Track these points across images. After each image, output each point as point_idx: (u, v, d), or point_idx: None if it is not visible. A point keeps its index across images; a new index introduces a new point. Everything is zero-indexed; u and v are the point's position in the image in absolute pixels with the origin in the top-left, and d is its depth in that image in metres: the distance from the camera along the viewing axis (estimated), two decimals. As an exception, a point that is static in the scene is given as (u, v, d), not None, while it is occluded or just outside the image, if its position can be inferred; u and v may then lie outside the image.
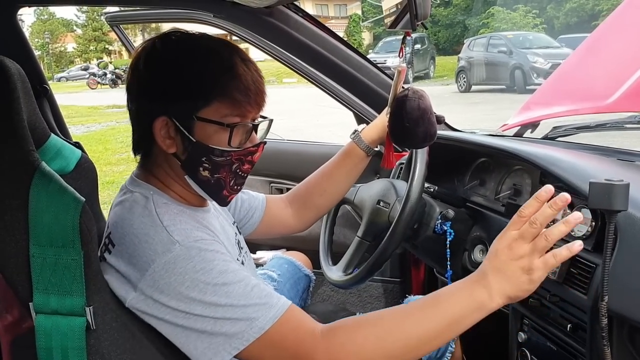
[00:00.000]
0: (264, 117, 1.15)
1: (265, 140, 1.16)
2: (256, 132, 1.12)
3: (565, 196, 1.00)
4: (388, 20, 1.25)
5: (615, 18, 2.02)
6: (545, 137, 1.92)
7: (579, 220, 1.00)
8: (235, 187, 1.14)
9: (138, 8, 2.46)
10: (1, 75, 0.98)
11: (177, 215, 1.07)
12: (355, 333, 1.01)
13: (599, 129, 1.75)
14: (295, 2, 1.69)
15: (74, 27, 48.41)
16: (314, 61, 1.87)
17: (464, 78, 16.35)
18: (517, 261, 1.01)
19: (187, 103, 1.04)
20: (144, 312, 1.02)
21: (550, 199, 1.01)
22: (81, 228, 0.98)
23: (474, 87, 16.11)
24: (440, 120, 1.36)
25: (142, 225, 1.04)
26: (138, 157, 1.16)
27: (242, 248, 1.30)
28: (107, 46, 44.11)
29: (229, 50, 1.07)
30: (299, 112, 12.14)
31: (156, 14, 2.31)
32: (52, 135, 1.31)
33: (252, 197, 1.49)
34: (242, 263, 1.25)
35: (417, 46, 20.34)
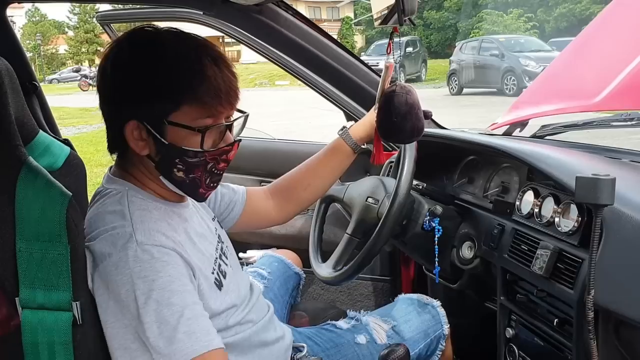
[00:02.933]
0: (241, 111, 1.15)
1: (240, 138, 1.15)
2: (231, 131, 1.12)
3: None
4: (377, 19, 1.26)
5: (603, 18, 2.03)
6: (534, 136, 1.94)
7: None
8: (212, 184, 1.13)
9: (129, 7, 2.46)
10: None
11: (150, 211, 1.08)
12: None
13: (586, 127, 1.77)
14: (285, 1, 1.70)
15: (66, 29, 48.16)
16: (303, 59, 1.87)
17: (456, 81, 16.42)
18: None
19: (157, 107, 1.03)
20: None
21: (539, 195, 1.00)
22: (68, 222, 0.98)
23: (465, 90, 16.17)
24: (427, 115, 1.36)
25: (112, 218, 1.05)
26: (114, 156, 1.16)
27: (222, 242, 1.30)
28: (98, 48, 43.80)
29: (198, 50, 1.05)
30: (291, 114, 12.14)
31: (147, 13, 2.30)
32: (41, 131, 1.31)
33: (232, 190, 1.48)
34: (225, 255, 1.25)
35: (409, 49, 20.40)
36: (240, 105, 1.14)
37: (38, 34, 43.03)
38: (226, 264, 1.24)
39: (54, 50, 46.47)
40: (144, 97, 1.04)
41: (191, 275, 1.06)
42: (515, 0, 26.80)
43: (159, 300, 0.98)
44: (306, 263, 1.90)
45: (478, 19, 26.85)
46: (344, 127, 1.51)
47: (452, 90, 16.43)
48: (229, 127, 1.11)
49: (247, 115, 1.17)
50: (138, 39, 1.07)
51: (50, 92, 24.86)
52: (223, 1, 1.59)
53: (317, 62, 1.87)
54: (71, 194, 1.01)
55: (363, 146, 1.50)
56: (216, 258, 1.20)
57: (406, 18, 1.04)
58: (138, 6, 2.37)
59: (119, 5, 2.55)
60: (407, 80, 19.44)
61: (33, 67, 1.86)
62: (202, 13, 1.78)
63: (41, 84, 1.72)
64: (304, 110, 12.57)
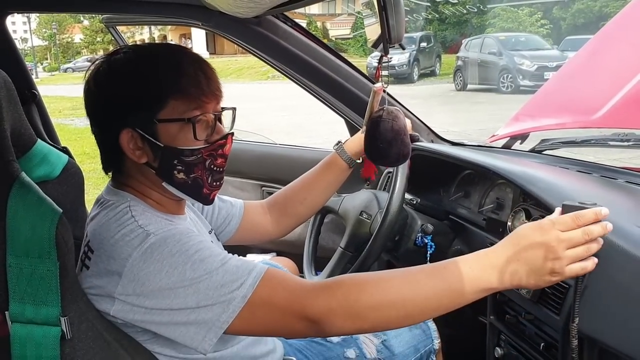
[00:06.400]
0: (226, 108, 1.15)
1: (232, 131, 1.15)
2: (221, 123, 1.12)
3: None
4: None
5: (605, 33, 2.02)
6: (533, 150, 1.92)
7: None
8: (214, 183, 1.14)
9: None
10: None
11: (153, 217, 1.09)
12: (352, 289, 1.00)
13: (584, 145, 1.75)
14: (284, 13, 1.70)
15: (82, 18, 48.37)
16: (303, 70, 1.87)
17: (460, 77, 16.63)
18: (552, 262, 0.99)
19: (144, 110, 1.05)
20: (130, 320, 1.03)
21: (531, 217, 0.98)
22: (57, 240, 0.99)
23: (469, 87, 16.32)
24: (414, 139, 1.36)
25: (119, 228, 1.05)
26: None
27: None
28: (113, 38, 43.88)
29: (174, 50, 1.10)
30: (303, 109, 12.09)
31: (150, 17, 2.31)
32: (39, 141, 1.32)
33: (230, 204, 1.49)
34: None
35: (423, 44, 20.38)
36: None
37: (54, 23, 43.20)
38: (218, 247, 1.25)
39: (69, 39, 46.70)
40: (130, 103, 1.06)
41: None
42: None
43: (202, 259, 1.00)
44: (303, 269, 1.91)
45: (493, 15, 26.60)
46: (339, 141, 1.52)
47: (457, 86, 16.61)
48: (219, 119, 1.11)
49: (235, 109, 1.18)
50: (116, 54, 1.10)
51: (65, 82, 25.07)
52: (221, 13, 1.59)
53: (315, 73, 1.87)
54: (61, 210, 1.02)
55: (358, 161, 1.50)
56: None
57: (392, 45, 1.04)
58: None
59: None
60: (422, 75, 19.49)
61: (48, 56, 1.87)
62: (200, 24, 1.78)
63: (56, 73, 1.73)
64: (316, 104, 12.45)
